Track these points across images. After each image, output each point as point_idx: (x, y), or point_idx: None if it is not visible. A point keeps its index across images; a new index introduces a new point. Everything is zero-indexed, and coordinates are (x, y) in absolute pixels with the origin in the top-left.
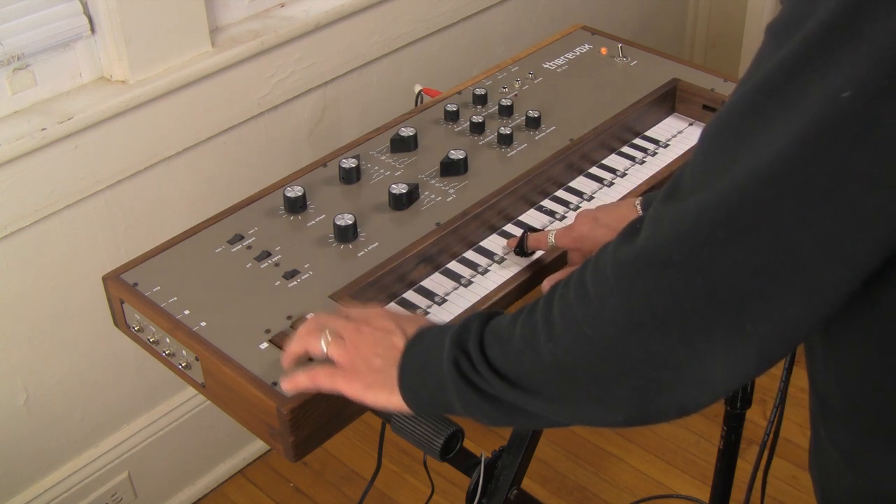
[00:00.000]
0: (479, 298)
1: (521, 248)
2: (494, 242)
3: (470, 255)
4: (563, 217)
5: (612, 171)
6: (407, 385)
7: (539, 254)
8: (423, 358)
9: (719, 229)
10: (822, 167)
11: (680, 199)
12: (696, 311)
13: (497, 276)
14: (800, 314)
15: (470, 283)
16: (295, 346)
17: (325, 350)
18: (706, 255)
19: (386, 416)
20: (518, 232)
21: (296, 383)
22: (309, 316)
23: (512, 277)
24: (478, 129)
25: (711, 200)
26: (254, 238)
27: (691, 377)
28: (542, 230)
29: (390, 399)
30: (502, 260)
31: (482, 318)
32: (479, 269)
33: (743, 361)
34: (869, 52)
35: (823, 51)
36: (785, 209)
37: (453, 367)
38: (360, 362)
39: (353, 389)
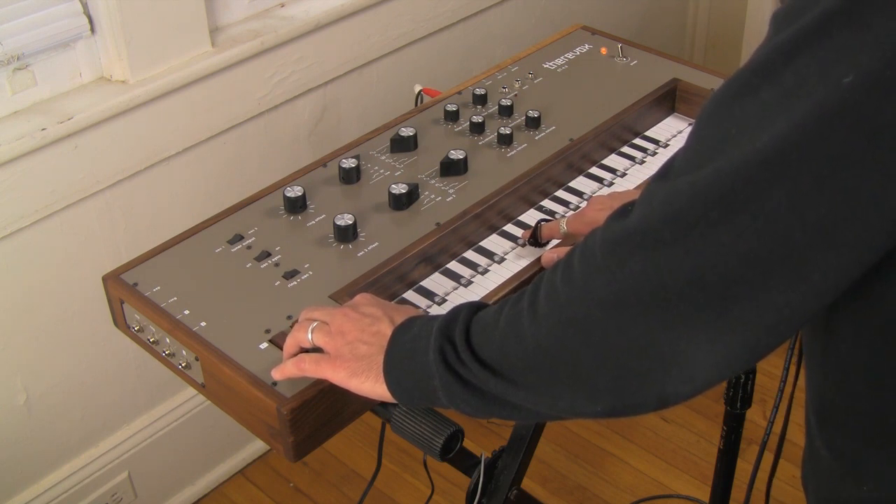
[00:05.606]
0: (479, 299)
1: (534, 239)
2: (494, 242)
3: (470, 255)
4: (563, 217)
5: (612, 171)
6: (392, 373)
7: (554, 243)
8: (410, 346)
9: (712, 209)
10: (819, 152)
11: (673, 178)
12: (682, 296)
13: (497, 276)
14: (787, 301)
15: (470, 283)
16: (287, 344)
17: (310, 338)
18: (697, 235)
19: (386, 416)
20: (517, 231)
21: (283, 370)
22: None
23: (512, 277)
24: (478, 129)
25: (705, 180)
26: (254, 238)
27: (672, 366)
28: (555, 220)
29: (375, 387)
30: (502, 260)
31: (471, 308)
32: (479, 269)
33: (727, 351)
34: (874, 42)
35: (825, 36)
36: (779, 192)
37: (439, 356)
38: (345, 349)
39: (337, 376)
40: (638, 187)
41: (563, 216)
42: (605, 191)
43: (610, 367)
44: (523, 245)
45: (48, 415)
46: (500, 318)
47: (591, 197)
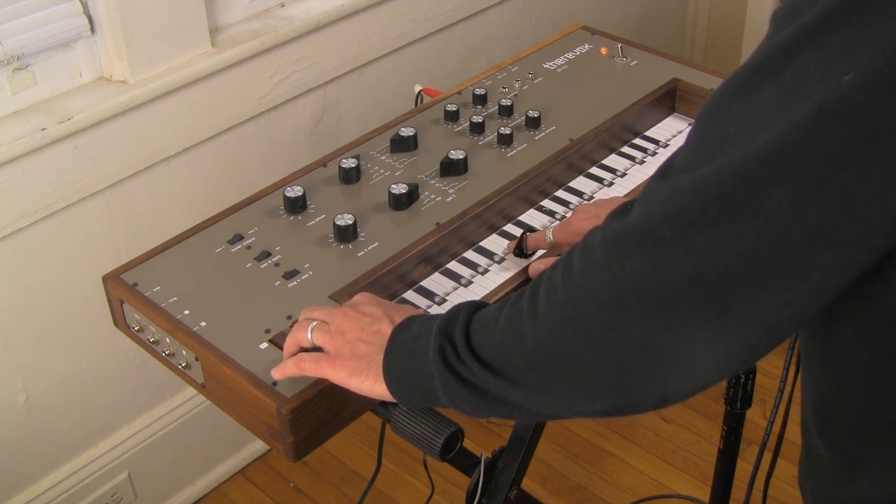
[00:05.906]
0: (479, 299)
1: (520, 250)
2: (494, 242)
3: (470, 255)
4: (563, 217)
5: (612, 171)
6: (392, 372)
7: (540, 253)
8: (410, 346)
9: (712, 208)
10: (819, 151)
11: (673, 176)
12: (682, 295)
13: (497, 276)
14: (787, 301)
15: (470, 283)
16: (287, 343)
17: (310, 338)
18: (697, 234)
19: (386, 416)
20: (518, 232)
21: (282, 370)
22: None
23: (512, 277)
24: (478, 129)
25: (705, 179)
26: (254, 238)
27: (673, 365)
28: (540, 230)
29: (374, 387)
30: (502, 260)
31: (471, 307)
32: (479, 269)
33: (727, 351)
34: (874, 41)
35: (825, 35)
36: (778, 191)
37: (438, 355)
38: (344, 348)
39: (337, 375)
40: (626, 195)
41: (547, 227)
42: (605, 191)
43: (610, 365)
44: (506, 255)
45: (48, 415)
46: (499, 318)
47: (576, 206)
